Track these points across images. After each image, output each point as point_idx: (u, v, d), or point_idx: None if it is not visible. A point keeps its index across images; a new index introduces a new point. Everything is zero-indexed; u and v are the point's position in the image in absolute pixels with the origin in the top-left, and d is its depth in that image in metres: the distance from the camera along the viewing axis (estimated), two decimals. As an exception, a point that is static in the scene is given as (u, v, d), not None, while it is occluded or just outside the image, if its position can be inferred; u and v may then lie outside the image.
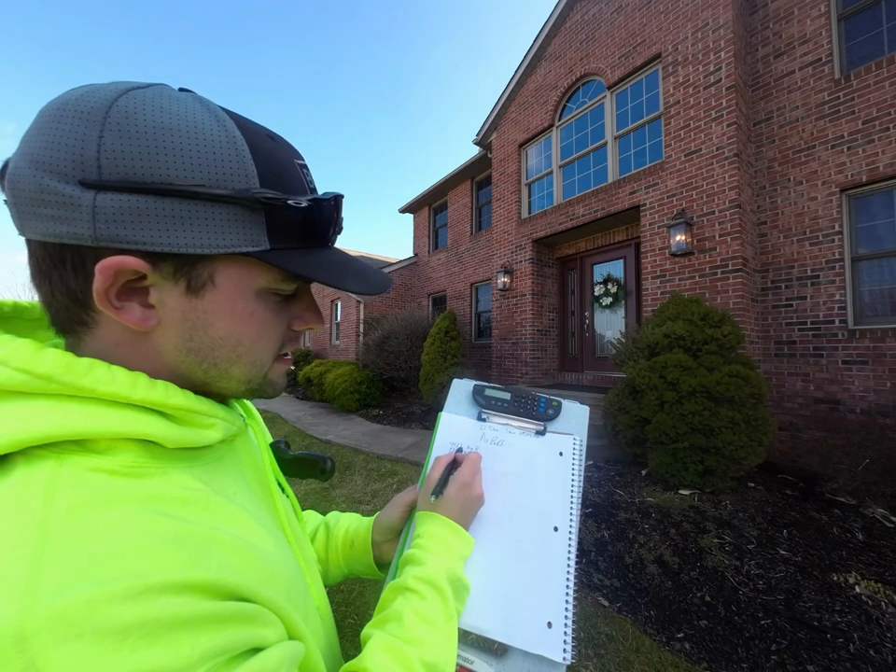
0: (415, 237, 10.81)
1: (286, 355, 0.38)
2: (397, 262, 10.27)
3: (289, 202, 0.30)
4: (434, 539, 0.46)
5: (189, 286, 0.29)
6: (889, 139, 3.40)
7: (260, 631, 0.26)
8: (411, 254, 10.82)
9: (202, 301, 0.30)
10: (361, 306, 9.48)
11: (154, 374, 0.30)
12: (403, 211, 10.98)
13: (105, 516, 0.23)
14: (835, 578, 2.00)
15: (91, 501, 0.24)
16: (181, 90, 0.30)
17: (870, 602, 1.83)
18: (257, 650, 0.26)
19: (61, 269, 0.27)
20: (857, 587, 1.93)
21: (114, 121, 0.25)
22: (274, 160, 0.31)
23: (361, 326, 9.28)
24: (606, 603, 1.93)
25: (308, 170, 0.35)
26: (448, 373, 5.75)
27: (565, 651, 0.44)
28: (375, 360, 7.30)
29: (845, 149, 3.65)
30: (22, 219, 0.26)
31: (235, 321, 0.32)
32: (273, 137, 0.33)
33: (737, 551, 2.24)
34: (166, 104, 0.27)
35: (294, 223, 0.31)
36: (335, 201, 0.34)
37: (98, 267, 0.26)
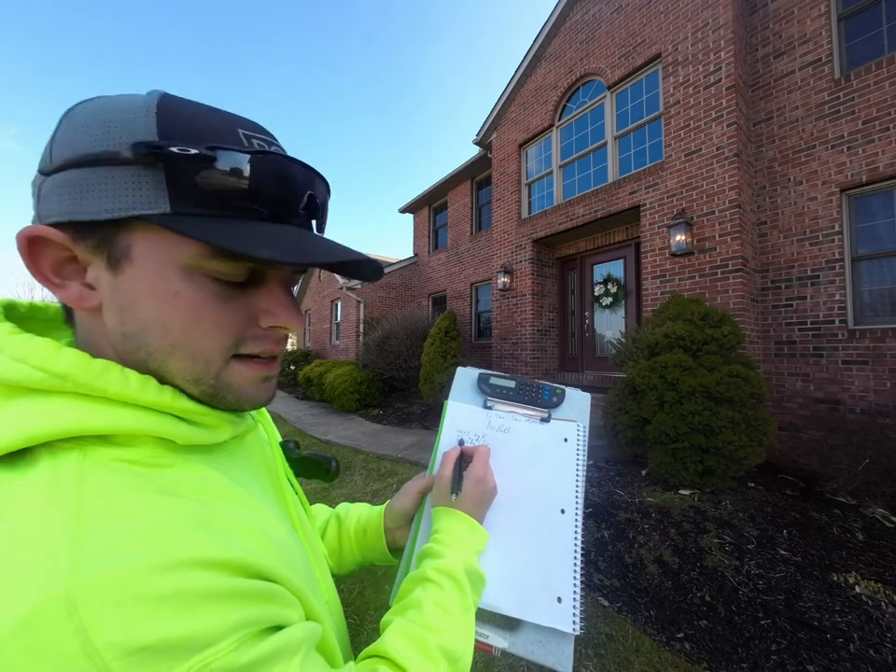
0: (415, 237, 10.80)
1: (255, 357, 0.33)
2: (397, 262, 10.25)
3: (175, 149, 0.25)
4: (451, 534, 0.48)
5: (109, 260, 0.27)
6: (889, 139, 3.40)
7: (283, 610, 0.27)
8: (411, 254, 10.82)
9: (123, 278, 0.28)
10: (361, 306, 9.47)
11: (120, 362, 0.29)
12: (403, 211, 10.97)
13: (135, 498, 0.25)
14: (835, 578, 2.00)
15: (120, 485, 0.25)
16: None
17: (870, 602, 1.83)
18: (279, 627, 0.27)
19: None
20: (857, 587, 1.93)
21: (67, 116, 0.27)
22: (196, 119, 0.28)
23: (361, 326, 9.27)
24: (606, 603, 1.93)
25: (264, 144, 0.30)
26: (448, 373, 5.74)
27: (574, 622, 0.48)
28: (375, 360, 7.30)
29: (845, 149, 3.64)
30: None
31: (159, 303, 0.28)
32: (217, 110, 0.30)
33: (737, 551, 2.24)
34: (117, 97, 0.28)
35: (211, 184, 0.26)
36: (285, 162, 0.29)
37: (16, 237, 0.27)
